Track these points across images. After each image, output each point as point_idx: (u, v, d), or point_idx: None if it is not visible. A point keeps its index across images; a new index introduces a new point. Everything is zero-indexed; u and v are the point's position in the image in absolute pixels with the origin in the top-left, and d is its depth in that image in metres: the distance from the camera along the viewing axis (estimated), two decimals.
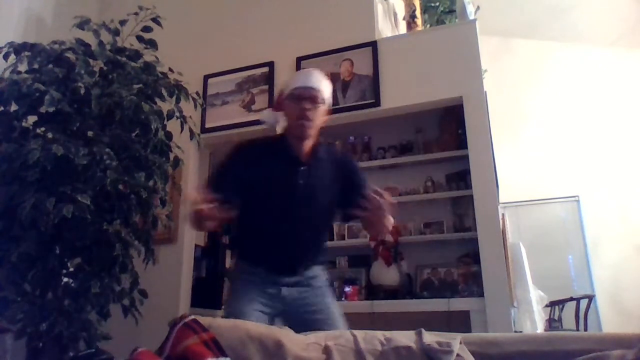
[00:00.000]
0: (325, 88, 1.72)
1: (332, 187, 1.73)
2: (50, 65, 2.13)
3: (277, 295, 1.68)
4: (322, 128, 1.74)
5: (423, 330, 1.26)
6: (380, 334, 1.21)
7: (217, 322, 1.09)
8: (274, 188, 1.66)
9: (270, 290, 1.67)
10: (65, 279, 2.10)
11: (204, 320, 1.08)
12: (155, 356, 0.96)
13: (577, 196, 5.62)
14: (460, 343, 1.20)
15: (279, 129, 1.81)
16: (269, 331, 1.12)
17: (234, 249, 1.92)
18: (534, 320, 2.99)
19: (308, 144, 1.70)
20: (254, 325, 1.15)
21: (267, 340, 1.07)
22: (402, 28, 3.89)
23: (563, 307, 4.39)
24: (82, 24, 2.25)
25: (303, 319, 1.63)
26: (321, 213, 1.76)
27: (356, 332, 1.21)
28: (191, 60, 3.45)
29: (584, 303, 4.42)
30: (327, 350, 1.11)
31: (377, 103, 3.14)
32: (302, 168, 1.68)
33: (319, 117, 1.70)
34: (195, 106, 2.41)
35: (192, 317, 1.07)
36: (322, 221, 1.82)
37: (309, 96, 1.66)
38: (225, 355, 0.99)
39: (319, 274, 1.79)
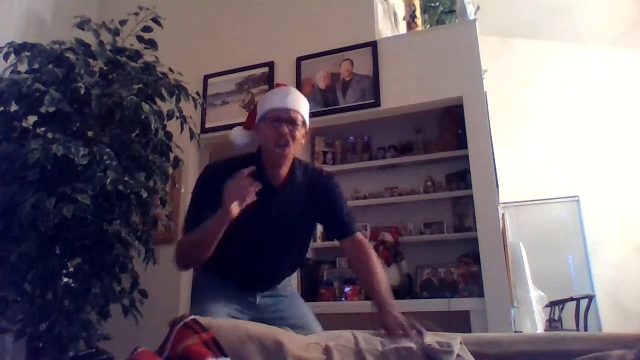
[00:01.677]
0: (304, 108, 1.57)
1: (309, 213, 1.64)
2: (50, 65, 2.13)
3: (251, 303, 1.62)
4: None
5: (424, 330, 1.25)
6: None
7: (216, 322, 1.09)
8: (246, 217, 1.46)
9: (242, 298, 1.61)
10: (65, 279, 2.10)
11: (204, 320, 1.08)
12: (155, 356, 0.96)
13: (577, 196, 5.62)
14: (460, 343, 1.20)
15: (250, 148, 1.65)
16: (269, 331, 1.12)
17: (205, 265, 1.69)
18: (534, 320, 2.99)
19: (284, 168, 1.57)
20: (254, 325, 1.15)
21: (267, 340, 1.07)
22: (402, 28, 3.89)
23: (563, 307, 4.39)
24: (82, 24, 2.25)
25: (277, 325, 1.52)
26: (297, 238, 1.68)
27: (356, 332, 1.21)
28: (191, 60, 3.45)
29: (584, 303, 4.43)
30: (327, 351, 1.11)
31: (377, 103, 3.14)
32: (276, 197, 1.56)
33: (299, 142, 1.54)
34: (195, 106, 2.41)
35: (192, 317, 1.07)
36: (298, 245, 1.73)
37: (288, 118, 1.51)
38: (226, 355, 0.99)
39: (288, 283, 1.75)
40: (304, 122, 1.55)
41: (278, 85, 1.66)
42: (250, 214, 1.47)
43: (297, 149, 1.56)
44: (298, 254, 1.77)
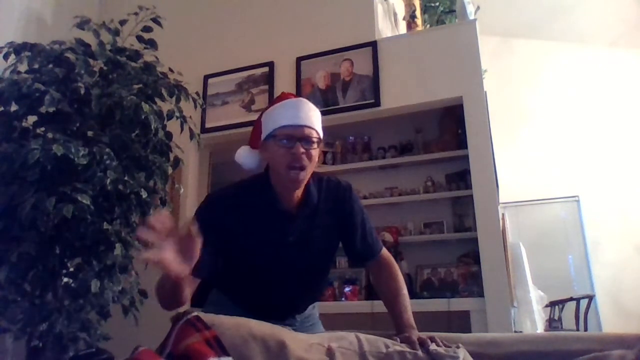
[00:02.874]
0: (318, 122, 1.35)
1: (329, 237, 1.45)
2: (50, 65, 2.13)
3: None
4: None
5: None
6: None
7: (219, 320, 1.08)
8: (260, 249, 1.34)
9: None
10: (65, 279, 2.10)
11: (207, 317, 1.07)
12: (156, 356, 0.95)
13: (577, 196, 5.62)
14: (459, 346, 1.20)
15: (259, 169, 1.46)
16: (273, 331, 1.11)
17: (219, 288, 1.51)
18: (534, 320, 2.99)
19: (299, 191, 1.36)
20: (258, 323, 1.14)
21: (270, 341, 1.06)
22: (402, 28, 3.90)
23: (563, 307, 4.39)
24: (82, 24, 2.25)
25: None
26: (317, 265, 1.47)
27: (360, 334, 1.20)
28: (191, 60, 3.45)
29: (584, 303, 4.43)
30: (330, 352, 1.11)
31: (377, 103, 3.14)
32: (291, 224, 1.37)
33: (314, 162, 1.32)
34: (195, 106, 2.41)
35: (195, 313, 1.06)
36: (318, 272, 1.51)
37: (302, 137, 1.28)
38: (228, 355, 0.98)
39: (311, 312, 1.56)
40: (319, 139, 1.33)
41: (285, 96, 1.43)
42: (264, 245, 1.34)
43: (313, 168, 1.34)
44: (319, 282, 1.57)
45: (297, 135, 1.28)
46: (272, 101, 1.45)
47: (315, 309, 1.58)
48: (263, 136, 1.35)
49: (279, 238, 1.35)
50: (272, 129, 1.31)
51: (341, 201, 1.44)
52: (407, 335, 1.24)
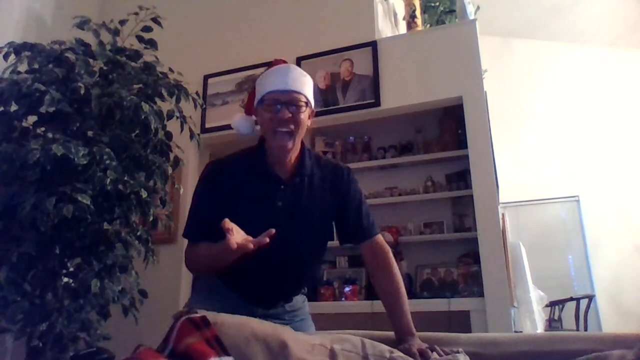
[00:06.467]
0: (308, 87, 1.37)
1: (321, 210, 1.42)
2: (50, 65, 2.13)
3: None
4: (309, 131, 1.46)
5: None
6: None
7: (222, 318, 1.08)
8: (250, 213, 1.33)
9: (241, 314, 1.29)
10: (65, 279, 2.10)
11: (210, 315, 1.07)
12: (157, 355, 0.95)
13: (577, 196, 5.62)
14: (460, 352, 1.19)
15: (254, 134, 1.49)
16: (275, 331, 1.11)
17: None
18: (534, 320, 2.99)
19: (291, 156, 1.38)
20: (260, 323, 1.13)
21: (272, 341, 1.06)
22: (402, 28, 3.89)
23: (563, 307, 4.39)
24: (82, 24, 2.25)
25: None
26: (308, 241, 1.43)
27: (364, 338, 1.19)
28: (191, 60, 3.45)
29: (584, 303, 4.43)
30: (332, 354, 1.10)
31: (377, 103, 3.14)
32: (281, 187, 1.37)
33: (302, 126, 1.34)
34: (195, 106, 2.40)
35: (197, 312, 1.06)
36: (309, 250, 1.46)
37: (287, 100, 1.31)
38: (229, 354, 0.98)
39: (300, 306, 1.52)
40: (307, 103, 1.35)
41: (277, 62, 1.44)
42: (254, 209, 1.34)
43: (302, 132, 1.36)
44: (309, 262, 1.51)
45: (283, 100, 1.31)
46: (266, 69, 1.47)
47: (305, 304, 1.56)
48: (255, 103, 1.39)
49: (268, 203, 1.36)
50: (261, 95, 1.35)
51: (339, 181, 1.44)
52: (407, 346, 1.23)
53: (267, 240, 1.16)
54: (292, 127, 1.32)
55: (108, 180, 1.98)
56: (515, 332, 2.70)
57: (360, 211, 1.45)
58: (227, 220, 1.13)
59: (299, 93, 1.33)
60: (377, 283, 1.44)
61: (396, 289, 1.39)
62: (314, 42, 3.40)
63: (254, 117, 1.44)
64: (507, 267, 2.68)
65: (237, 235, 1.14)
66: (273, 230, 1.16)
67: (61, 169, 1.96)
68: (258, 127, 1.44)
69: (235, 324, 1.08)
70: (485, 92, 3.00)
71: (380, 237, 1.46)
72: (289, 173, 1.39)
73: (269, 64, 1.48)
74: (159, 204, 2.33)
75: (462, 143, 3.13)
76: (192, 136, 2.39)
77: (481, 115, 2.93)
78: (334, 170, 1.46)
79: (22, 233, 1.94)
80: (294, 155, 1.39)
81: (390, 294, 1.39)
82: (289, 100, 1.32)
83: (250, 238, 1.16)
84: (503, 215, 3.00)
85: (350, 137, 3.74)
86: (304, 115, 1.35)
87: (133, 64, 2.29)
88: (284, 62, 1.45)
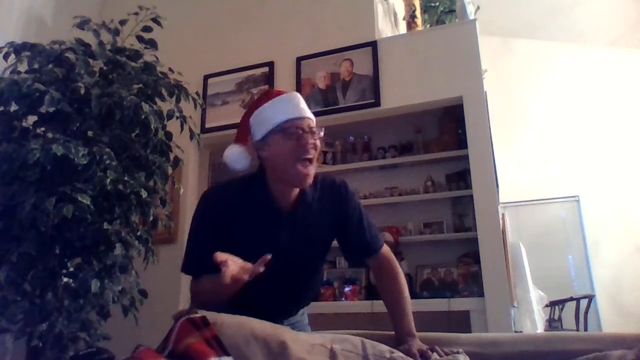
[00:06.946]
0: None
1: (322, 233, 1.41)
2: (50, 65, 2.13)
3: None
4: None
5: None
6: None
7: (221, 318, 1.08)
8: (252, 248, 1.25)
9: None
10: (65, 279, 2.10)
11: (210, 315, 1.07)
12: (157, 355, 0.95)
13: (577, 196, 5.62)
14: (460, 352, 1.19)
15: (251, 169, 1.42)
16: (274, 331, 1.11)
17: None
18: (534, 320, 2.99)
19: (295, 190, 1.34)
20: (260, 323, 1.13)
21: (271, 341, 1.06)
22: (402, 28, 3.90)
23: (563, 307, 4.39)
24: (82, 24, 2.25)
25: None
26: (310, 265, 1.45)
27: (364, 338, 1.19)
28: (191, 60, 3.45)
29: (584, 303, 4.43)
30: (332, 354, 1.10)
31: (377, 103, 3.14)
32: (284, 220, 1.34)
33: (318, 155, 1.33)
34: (195, 106, 2.40)
35: (197, 312, 1.06)
36: (311, 272, 1.49)
37: (308, 127, 1.28)
38: (228, 354, 0.98)
39: (299, 319, 1.53)
40: (319, 132, 1.33)
41: (274, 93, 1.39)
42: (256, 244, 1.27)
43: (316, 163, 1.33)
44: (311, 284, 1.53)
45: (303, 127, 1.28)
46: (257, 99, 1.42)
47: (305, 316, 1.57)
48: (261, 134, 1.32)
49: (272, 238, 1.32)
50: (276, 124, 1.28)
51: (337, 200, 1.41)
52: (408, 347, 1.23)
53: (262, 269, 1.13)
54: (313, 154, 1.29)
55: (108, 180, 1.98)
56: (515, 332, 2.70)
57: (362, 226, 1.43)
58: (218, 253, 1.08)
59: (312, 120, 1.32)
60: (380, 285, 1.45)
61: (399, 291, 1.39)
62: (314, 42, 3.40)
63: (246, 149, 1.39)
64: (507, 267, 2.68)
65: (232, 266, 1.09)
66: (269, 257, 1.13)
67: (61, 169, 1.96)
68: (252, 161, 1.40)
69: (235, 324, 1.08)
70: (485, 92, 3.00)
71: (385, 249, 1.45)
72: (291, 204, 1.35)
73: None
74: (159, 204, 2.33)
75: (462, 143, 3.13)
76: (192, 136, 2.39)
77: (481, 115, 2.93)
78: (331, 188, 1.43)
79: (22, 233, 1.94)
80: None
81: (392, 296, 1.40)
82: (309, 126, 1.29)
83: (248, 265, 1.13)
84: (503, 215, 3.00)
85: (350, 137, 3.74)
86: (319, 143, 1.32)
87: (133, 64, 2.29)
88: (279, 91, 1.41)
